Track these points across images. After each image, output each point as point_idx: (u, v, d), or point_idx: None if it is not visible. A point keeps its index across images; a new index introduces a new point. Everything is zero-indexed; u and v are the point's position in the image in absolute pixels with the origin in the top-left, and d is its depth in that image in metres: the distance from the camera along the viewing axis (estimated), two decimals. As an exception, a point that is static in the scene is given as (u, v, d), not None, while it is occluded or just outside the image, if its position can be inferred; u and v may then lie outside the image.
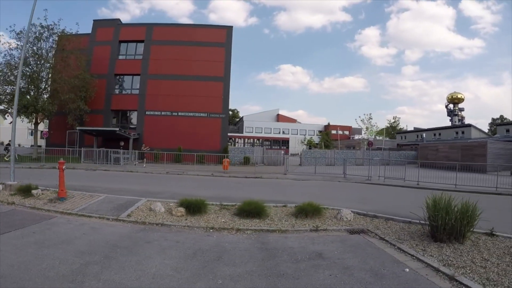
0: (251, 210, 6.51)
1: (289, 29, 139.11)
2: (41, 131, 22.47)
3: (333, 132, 60.88)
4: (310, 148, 48.03)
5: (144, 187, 11.08)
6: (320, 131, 66.32)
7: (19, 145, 20.88)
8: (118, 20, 27.67)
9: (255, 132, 70.56)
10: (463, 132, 39.21)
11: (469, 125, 39.52)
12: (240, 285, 3.39)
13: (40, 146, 23.39)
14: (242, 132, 72.30)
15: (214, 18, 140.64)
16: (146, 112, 25.88)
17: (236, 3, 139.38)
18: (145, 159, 21.18)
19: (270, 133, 70.77)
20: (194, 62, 26.02)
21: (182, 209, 6.64)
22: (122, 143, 24.64)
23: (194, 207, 6.64)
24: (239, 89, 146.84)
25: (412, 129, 52.50)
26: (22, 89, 19.97)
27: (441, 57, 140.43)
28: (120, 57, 26.94)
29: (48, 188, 9.21)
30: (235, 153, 25.93)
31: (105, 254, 4.35)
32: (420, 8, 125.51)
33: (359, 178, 16.19)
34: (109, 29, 26.56)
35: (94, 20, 27.01)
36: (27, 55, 19.84)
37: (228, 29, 27.04)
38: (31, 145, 24.18)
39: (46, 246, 4.62)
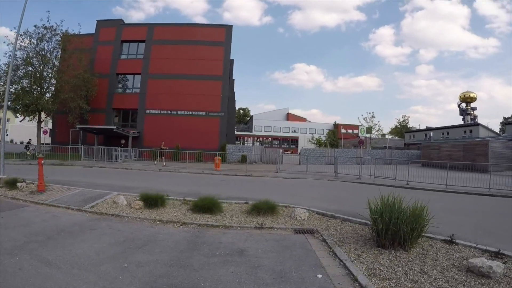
0: (205, 206, 6.86)
1: (303, 28, 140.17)
2: (42, 129, 24.01)
3: (343, 131, 60.75)
4: (319, 147, 48.18)
5: (126, 182, 11.83)
6: (330, 130, 66.21)
7: (28, 142, 22.22)
8: (121, 20, 28.85)
9: (264, 131, 71.06)
10: (471, 131, 38.34)
11: (477, 124, 38.57)
12: (140, 270, 3.78)
13: (43, 144, 24.89)
14: (251, 131, 72.94)
15: (228, 17, 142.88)
16: (147, 111, 26.92)
17: (250, 2, 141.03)
18: (163, 158, 21.40)
19: (280, 132, 71.13)
20: (194, 61, 26.82)
21: (140, 203, 7.26)
22: (123, 141, 25.79)
23: (151, 201, 7.20)
24: (253, 88, 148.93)
25: (425, 128, 51.84)
26: (26, 88, 21.43)
27: (456, 57, 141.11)
28: (123, 56, 28.12)
29: (34, 182, 10.07)
30: (233, 152, 26.54)
31: (48, 236, 5.02)
32: (435, 7, 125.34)
33: (350, 177, 16.30)
34: (112, 29, 27.79)
35: (97, 21, 28.31)
36: (31, 55, 21.30)
37: (227, 28, 27.68)
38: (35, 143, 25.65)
39: (5, 228, 5.39)
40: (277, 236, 5.57)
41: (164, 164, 20.30)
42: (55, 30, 22.87)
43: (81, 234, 5.23)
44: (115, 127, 22.93)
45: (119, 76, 28.17)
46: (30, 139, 23.02)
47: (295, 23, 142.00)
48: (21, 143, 35.18)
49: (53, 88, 23.43)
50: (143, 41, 27.56)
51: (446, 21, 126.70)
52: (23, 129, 47.32)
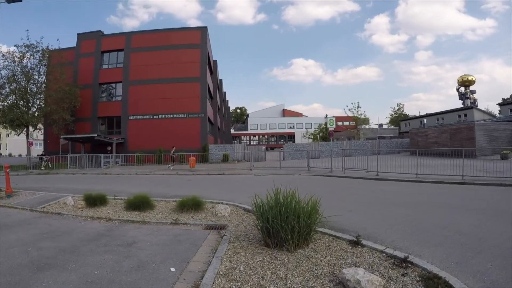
0: (137, 204, 7.89)
1: (298, 23, 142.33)
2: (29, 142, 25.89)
3: (339, 123, 61.74)
4: (319, 141, 49.40)
5: (94, 186, 13.24)
6: (322, 124, 67.19)
7: (20, 155, 24.17)
8: (100, 31, 30.45)
9: (260, 129, 72.43)
10: (465, 115, 38.58)
11: (471, 107, 38.84)
12: (37, 253, 4.83)
13: (37, 155, 26.75)
14: (247, 130, 74.38)
15: (222, 18, 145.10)
16: (129, 117, 28.56)
17: (243, 1, 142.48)
18: (174, 162, 22.54)
19: (275, 128, 72.39)
20: (171, 65, 28.28)
21: (82, 202, 8.66)
22: (109, 148, 27.53)
23: (92, 201, 8.56)
24: (252, 87, 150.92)
25: (419, 115, 52.39)
26: (11, 105, 23.30)
27: (454, 40, 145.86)
28: (104, 66, 29.82)
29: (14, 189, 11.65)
30: (216, 151, 27.93)
31: (-10, 229, 6.53)
32: None
33: (322, 170, 16.67)
34: (92, 41, 29.48)
35: (78, 34, 30.06)
36: (13, 73, 23.18)
37: (202, 30, 29.06)
38: (26, 155, 27.62)
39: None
40: (181, 231, 5.94)
41: (172, 167, 21.23)
42: (36, 47, 24.60)
43: (16, 228, 6.66)
44: (96, 135, 24.61)
45: (102, 85, 29.86)
46: (43, 152, 25.16)
47: (289, 19, 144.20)
48: (20, 155, 37.32)
49: (38, 102, 25.20)
50: (122, 50, 29.15)
51: (440, 5, 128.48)
52: (21, 143, 49.82)
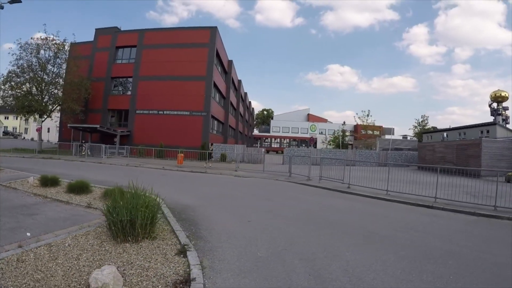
0: (76, 187, 9.27)
1: (336, 29, 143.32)
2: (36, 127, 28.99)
3: (363, 132, 61.02)
4: (336, 148, 49.27)
5: (73, 172, 15.00)
6: (351, 131, 66.33)
7: (82, 142, 27.83)
8: (116, 27, 33.22)
9: (282, 132, 73.04)
10: (488, 131, 36.65)
11: (494, 123, 36.87)
12: None
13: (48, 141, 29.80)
14: (269, 132, 75.50)
15: (260, 19, 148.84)
16: (137, 111, 30.80)
17: (282, 3, 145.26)
18: (212, 159, 23.60)
19: (298, 132, 72.63)
20: (180, 63, 30.09)
21: (37, 182, 10.24)
22: (115, 139, 29.95)
23: (45, 182, 10.12)
24: (286, 89, 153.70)
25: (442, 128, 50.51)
26: (25, 92, 26.49)
27: (493, 55, 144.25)
28: (117, 61, 32.46)
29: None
30: (217, 150, 29.24)
31: None
32: (469, 4, 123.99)
33: (301, 178, 17.02)
34: (108, 36, 32.23)
35: (96, 29, 33.07)
36: (31, 63, 26.39)
37: (212, 30, 30.56)
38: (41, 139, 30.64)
39: None
40: (83, 213, 7.16)
41: (210, 164, 22.01)
42: (53, 40, 27.61)
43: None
44: (98, 126, 27.01)
45: (114, 79, 32.49)
46: (83, 141, 28.26)
47: (327, 24, 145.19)
48: (48, 141, 41.36)
49: (50, 92, 28.22)
50: (134, 46, 31.54)
51: (481, 18, 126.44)
52: (44, 129, 55.06)
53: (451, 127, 47.68)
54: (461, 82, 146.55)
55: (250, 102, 76.40)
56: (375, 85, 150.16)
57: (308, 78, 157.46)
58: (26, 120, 29.37)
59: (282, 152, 34.47)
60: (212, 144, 24.79)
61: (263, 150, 30.32)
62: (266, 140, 74.22)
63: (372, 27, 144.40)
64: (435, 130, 49.98)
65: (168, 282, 3.73)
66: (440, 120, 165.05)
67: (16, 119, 55.27)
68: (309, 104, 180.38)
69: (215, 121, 34.98)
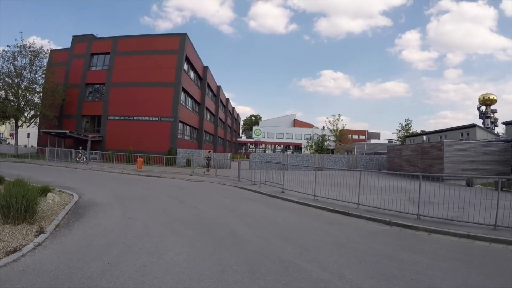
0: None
1: (329, 35, 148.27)
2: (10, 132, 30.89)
3: (349, 136, 63.41)
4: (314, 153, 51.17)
5: (27, 173, 16.85)
6: (335, 135, 68.40)
7: (25, 145, 29.28)
8: (92, 35, 35.29)
9: (267, 138, 75.00)
10: (468, 134, 38.46)
11: (474, 125, 38.71)
12: None
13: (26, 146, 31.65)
14: (253, 138, 77.48)
15: (254, 26, 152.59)
16: (109, 117, 32.73)
17: (275, 10, 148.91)
18: (209, 166, 24.34)
19: (283, 138, 74.66)
20: (151, 70, 32.10)
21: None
22: (86, 145, 31.79)
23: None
24: (280, 95, 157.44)
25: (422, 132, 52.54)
26: (4, 98, 28.43)
27: (484, 60, 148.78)
28: (92, 68, 34.46)
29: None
30: (183, 155, 31.05)
31: None
32: (461, 10, 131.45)
33: (248, 182, 18.01)
34: (84, 43, 34.27)
35: (73, 36, 35.15)
36: (8, 70, 28.37)
37: (181, 37, 32.64)
38: (24, 145, 32.62)
39: None
40: None
41: (209, 171, 23.04)
42: (29, 47, 29.56)
43: None
44: (67, 131, 28.90)
45: (88, 86, 34.45)
46: (80, 147, 30.01)
47: (321, 30, 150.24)
48: (25, 146, 43.07)
49: (26, 98, 30.14)
50: (108, 53, 33.54)
51: (472, 23, 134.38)
52: (25, 134, 57.04)
53: (432, 131, 49.54)
54: (453, 86, 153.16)
55: (233, 108, 78.38)
56: (368, 91, 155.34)
57: (302, 84, 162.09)
58: (2, 124, 31.19)
59: (248, 158, 36.11)
60: (209, 151, 26.84)
61: (229, 155, 32.16)
62: (251, 146, 76.10)
63: (365, 33, 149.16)
64: (417, 134, 52.01)
65: (4, 250, 5.41)
66: (433, 124, 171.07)
67: (3, 124, 57.26)
68: (302, 110, 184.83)
69: (187, 127, 36.85)
